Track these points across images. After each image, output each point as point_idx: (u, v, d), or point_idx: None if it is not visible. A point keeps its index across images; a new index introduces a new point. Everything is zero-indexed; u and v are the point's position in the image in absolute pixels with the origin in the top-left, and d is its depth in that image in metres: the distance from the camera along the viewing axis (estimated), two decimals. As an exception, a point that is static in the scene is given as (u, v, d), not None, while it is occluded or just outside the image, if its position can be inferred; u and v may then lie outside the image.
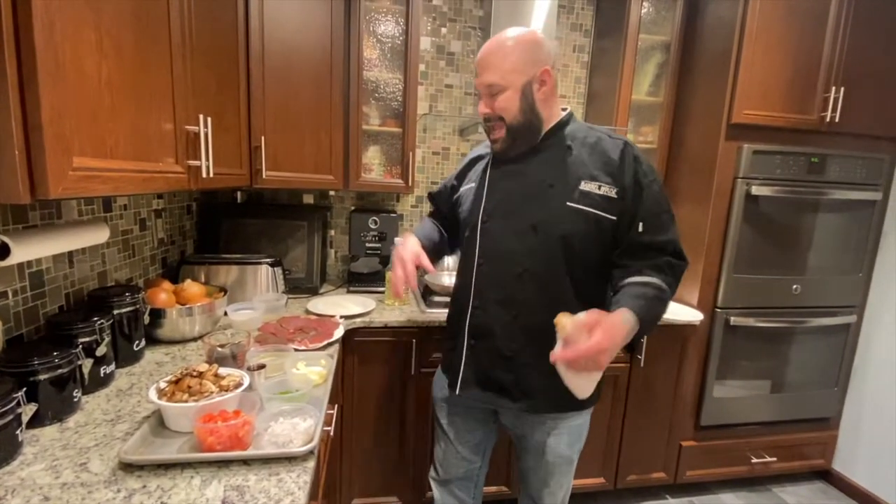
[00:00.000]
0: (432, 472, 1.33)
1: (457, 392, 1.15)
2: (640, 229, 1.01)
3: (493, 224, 1.09)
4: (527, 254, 1.05)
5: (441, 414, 1.27)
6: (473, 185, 1.18)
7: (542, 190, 1.05)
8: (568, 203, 1.02)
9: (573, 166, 1.04)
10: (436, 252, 1.26)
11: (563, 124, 1.09)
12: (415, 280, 1.12)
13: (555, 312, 1.04)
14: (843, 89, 1.79)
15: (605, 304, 1.10)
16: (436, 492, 1.33)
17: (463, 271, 1.17)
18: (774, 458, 2.07)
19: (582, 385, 0.97)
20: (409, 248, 1.13)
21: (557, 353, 0.90)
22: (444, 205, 1.32)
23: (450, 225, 1.31)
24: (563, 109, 1.11)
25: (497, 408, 1.18)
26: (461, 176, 1.26)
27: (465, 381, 1.13)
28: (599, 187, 1.02)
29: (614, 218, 1.02)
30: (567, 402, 1.09)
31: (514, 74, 1.01)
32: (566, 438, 1.14)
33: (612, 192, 1.02)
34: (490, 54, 1.02)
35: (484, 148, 1.24)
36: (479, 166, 1.20)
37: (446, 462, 1.28)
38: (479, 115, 1.09)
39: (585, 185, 1.02)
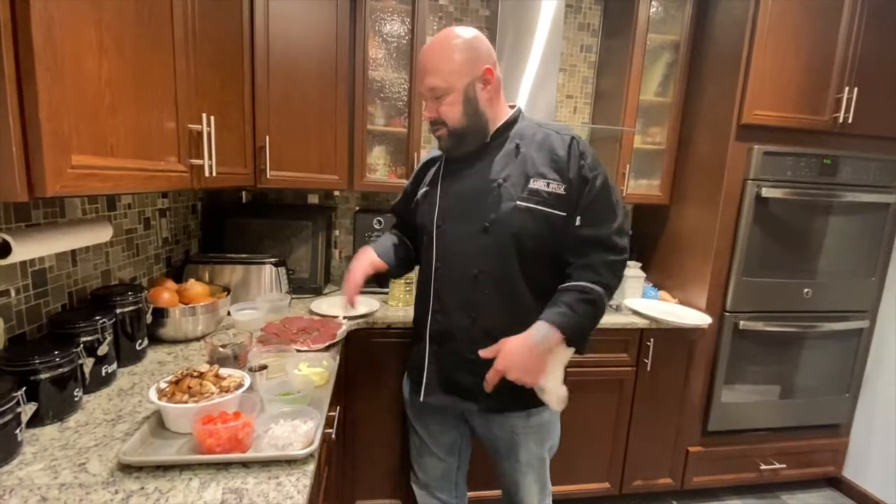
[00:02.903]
0: (412, 476, 1.33)
1: (421, 398, 1.15)
2: (578, 223, 1.02)
3: (446, 227, 1.10)
4: (480, 255, 1.04)
5: (412, 415, 1.27)
6: (427, 188, 1.18)
7: (491, 190, 1.04)
8: (517, 202, 1.02)
9: (522, 165, 1.04)
10: (399, 261, 1.26)
11: (510, 123, 1.09)
12: (354, 293, 1.17)
13: (513, 313, 1.05)
14: (856, 90, 1.76)
15: None
16: (418, 496, 1.33)
17: (423, 276, 1.18)
18: (783, 465, 2.03)
19: (544, 398, 1.05)
20: (358, 261, 1.19)
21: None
22: (405, 213, 1.30)
23: (413, 234, 1.29)
24: (511, 107, 1.11)
25: (463, 411, 1.16)
26: (416, 181, 1.25)
27: (429, 385, 1.13)
28: (548, 184, 1.01)
29: (564, 214, 1.02)
30: (524, 400, 1.09)
31: (456, 76, 1.01)
32: (535, 436, 1.13)
33: (561, 189, 1.01)
34: (430, 58, 1.02)
35: (437, 150, 1.23)
36: (433, 169, 1.19)
37: (423, 463, 1.28)
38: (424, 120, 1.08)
39: (534, 184, 1.02)
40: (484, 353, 1.00)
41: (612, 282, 1.03)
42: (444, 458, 1.25)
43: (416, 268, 1.27)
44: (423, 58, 1.03)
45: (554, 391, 1.04)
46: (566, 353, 1.05)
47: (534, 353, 0.97)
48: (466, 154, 1.09)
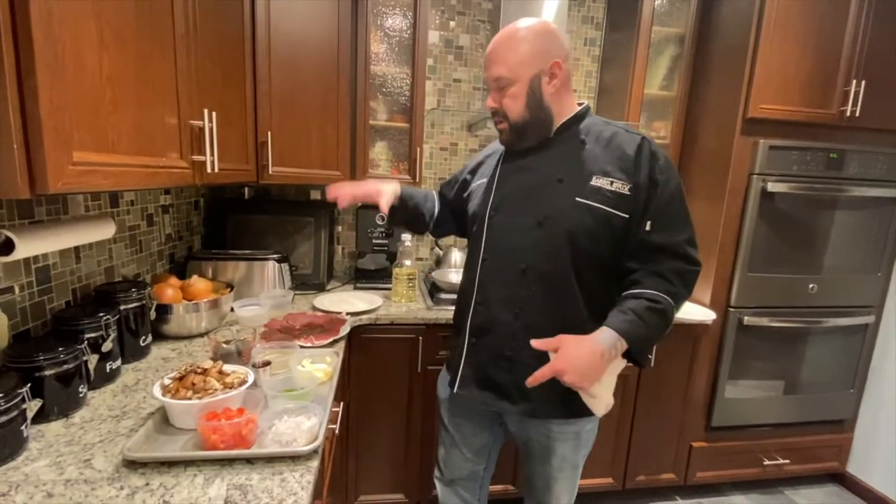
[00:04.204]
0: (436, 472, 1.32)
1: (455, 390, 1.12)
2: (648, 228, 0.97)
3: (498, 219, 1.07)
4: (531, 250, 1.01)
5: (445, 414, 1.25)
6: (485, 180, 1.15)
7: (550, 184, 1.01)
8: (577, 198, 0.98)
9: (585, 161, 1.00)
10: (412, 210, 1.26)
11: (578, 118, 1.05)
12: (345, 200, 1.15)
13: (559, 312, 1.01)
14: (863, 83, 1.74)
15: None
16: (440, 491, 1.31)
17: (468, 267, 1.15)
18: (787, 461, 2.03)
19: (590, 402, 0.99)
20: (376, 182, 1.19)
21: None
22: (449, 192, 1.30)
23: (447, 211, 1.30)
24: (580, 104, 1.08)
25: (498, 410, 1.14)
26: (475, 171, 1.23)
27: (464, 379, 1.11)
28: (612, 183, 0.97)
29: (626, 216, 0.97)
30: (570, 409, 1.05)
31: (522, 67, 0.98)
32: (572, 444, 1.10)
33: (625, 189, 0.97)
34: (499, 47, 0.99)
35: (499, 143, 1.21)
36: (492, 160, 1.17)
37: (450, 462, 1.26)
38: (486, 109, 1.07)
39: (597, 181, 0.98)
40: (537, 343, 0.92)
41: (682, 292, 0.97)
42: (473, 458, 1.23)
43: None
44: (491, 47, 1.01)
45: (603, 399, 0.98)
46: (622, 363, 1.00)
47: (598, 361, 0.90)
48: (528, 148, 1.06)
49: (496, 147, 1.21)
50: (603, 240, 0.99)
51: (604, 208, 0.97)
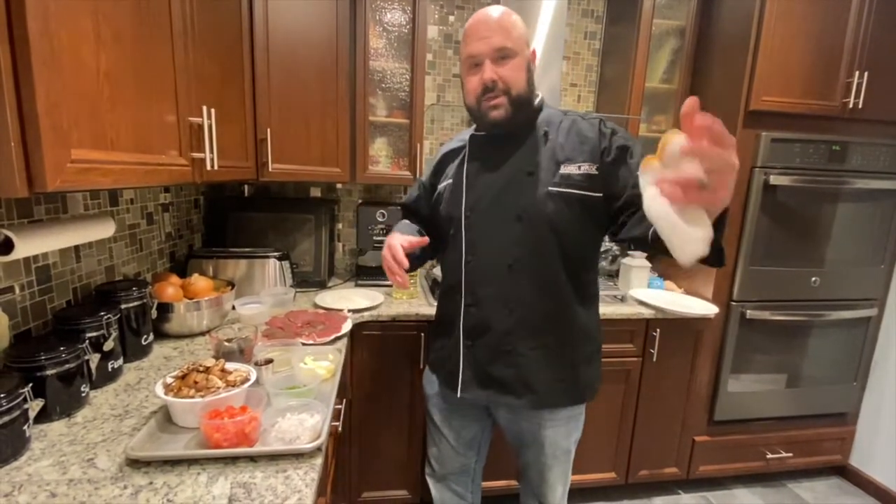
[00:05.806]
0: (427, 469, 1.32)
1: (458, 395, 1.11)
2: (634, 185, 0.91)
3: (476, 218, 1.06)
4: (515, 244, 1.02)
5: (434, 411, 1.24)
6: (451, 181, 1.13)
7: (521, 178, 1.02)
8: (549, 188, 0.99)
9: (551, 152, 1.02)
10: (420, 252, 1.17)
11: (538, 110, 1.07)
12: (406, 263, 1.04)
13: (551, 303, 1.02)
14: (866, 74, 1.73)
15: (597, 298, 1.12)
16: (433, 488, 1.31)
17: (451, 269, 1.13)
18: (790, 454, 2.03)
19: (688, 232, 0.61)
20: (394, 238, 1.07)
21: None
22: (423, 208, 1.24)
23: (430, 229, 1.23)
24: (535, 96, 1.09)
25: (501, 405, 1.13)
26: (437, 173, 1.20)
27: (466, 382, 1.09)
28: (579, 167, 0.99)
29: (600, 195, 0.98)
30: (569, 396, 1.08)
31: (521, 42, 0.99)
32: (563, 430, 1.11)
33: (593, 169, 0.98)
34: (496, 20, 0.98)
35: (457, 141, 1.19)
36: (455, 161, 1.15)
37: (441, 458, 1.26)
38: (474, 87, 1.00)
39: (565, 169, 0.99)
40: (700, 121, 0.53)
41: None
42: (464, 452, 1.24)
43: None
44: (485, 21, 0.98)
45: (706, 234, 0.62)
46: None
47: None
48: (495, 143, 1.06)
49: (454, 145, 1.19)
50: (583, 224, 1.00)
51: (577, 192, 0.98)
